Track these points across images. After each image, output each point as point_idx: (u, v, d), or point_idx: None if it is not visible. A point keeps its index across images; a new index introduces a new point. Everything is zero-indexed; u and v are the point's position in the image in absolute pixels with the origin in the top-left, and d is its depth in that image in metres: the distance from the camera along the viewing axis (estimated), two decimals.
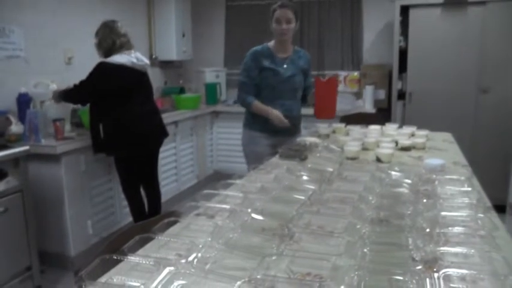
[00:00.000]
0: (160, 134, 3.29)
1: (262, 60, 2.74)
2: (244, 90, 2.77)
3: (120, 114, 2.96)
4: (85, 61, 3.69)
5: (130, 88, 2.98)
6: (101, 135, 2.96)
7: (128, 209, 3.38)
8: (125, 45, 2.97)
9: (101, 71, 2.88)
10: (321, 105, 2.84)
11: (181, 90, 4.96)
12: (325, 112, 2.86)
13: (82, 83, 2.92)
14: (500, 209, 2.26)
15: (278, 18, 2.68)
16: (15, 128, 2.88)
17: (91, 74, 2.90)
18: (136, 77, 3.01)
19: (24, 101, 3.07)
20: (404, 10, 4.10)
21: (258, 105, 2.75)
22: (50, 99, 3.10)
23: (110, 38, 2.93)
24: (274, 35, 2.78)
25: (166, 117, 3.65)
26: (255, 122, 2.82)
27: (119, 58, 2.90)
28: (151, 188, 3.39)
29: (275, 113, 2.73)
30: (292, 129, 2.86)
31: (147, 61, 3.11)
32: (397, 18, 4.13)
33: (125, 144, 3.01)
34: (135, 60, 2.96)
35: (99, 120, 2.96)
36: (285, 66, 2.79)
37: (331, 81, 2.80)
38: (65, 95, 3.00)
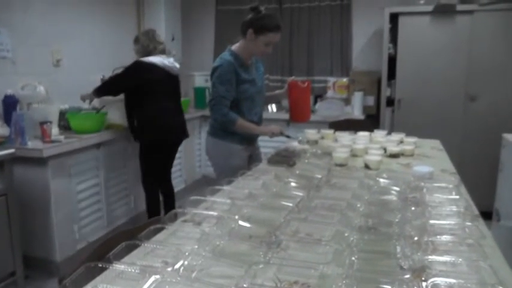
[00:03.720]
0: (182, 132, 3.61)
1: (240, 72, 2.55)
2: (225, 105, 2.51)
3: (148, 106, 3.31)
4: (74, 63, 3.67)
5: (156, 84, 3.30)
6: (134, 123, 3.41)
7: (115, 213, 3.36)
8: (162, 51, 3.43)
9: (136, 67, 3.28)
10: (299, 109, 2.76)
11: None
12: (304, 116, 2.78)
13: (118, 75, 3.35)
14: (487, 215, 2.27)
15: (270, 42, 2.51)
16: (1, 130, 2.84)
17: (127, 69, 3.29)
18: (164, 76, 3.35)
19: (10, 103, 3.03)
20: (394, 18, 4.14)
21: (243, 123, 2.55)
22: (87, 102, 3.46)
23: (152, 44, 3.37)
24: (247, 44, 2.60)
25: None
26: (236, 133, 2.59)
27: (152, 58, 3.31)
28: (165, 185, 3.63)
29: (269, 129, 2.60)
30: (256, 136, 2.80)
31: (177, 65, 3.49)
32: (387, 26, 4.15)
33: (152, 133, 3.36)
34: (166, 62, 3.36)
35: (131, 109, 3.41)
36: (254, 74, 2.66)
37: (308, 85, 2.72)
38: (99, 89, 3.36)
